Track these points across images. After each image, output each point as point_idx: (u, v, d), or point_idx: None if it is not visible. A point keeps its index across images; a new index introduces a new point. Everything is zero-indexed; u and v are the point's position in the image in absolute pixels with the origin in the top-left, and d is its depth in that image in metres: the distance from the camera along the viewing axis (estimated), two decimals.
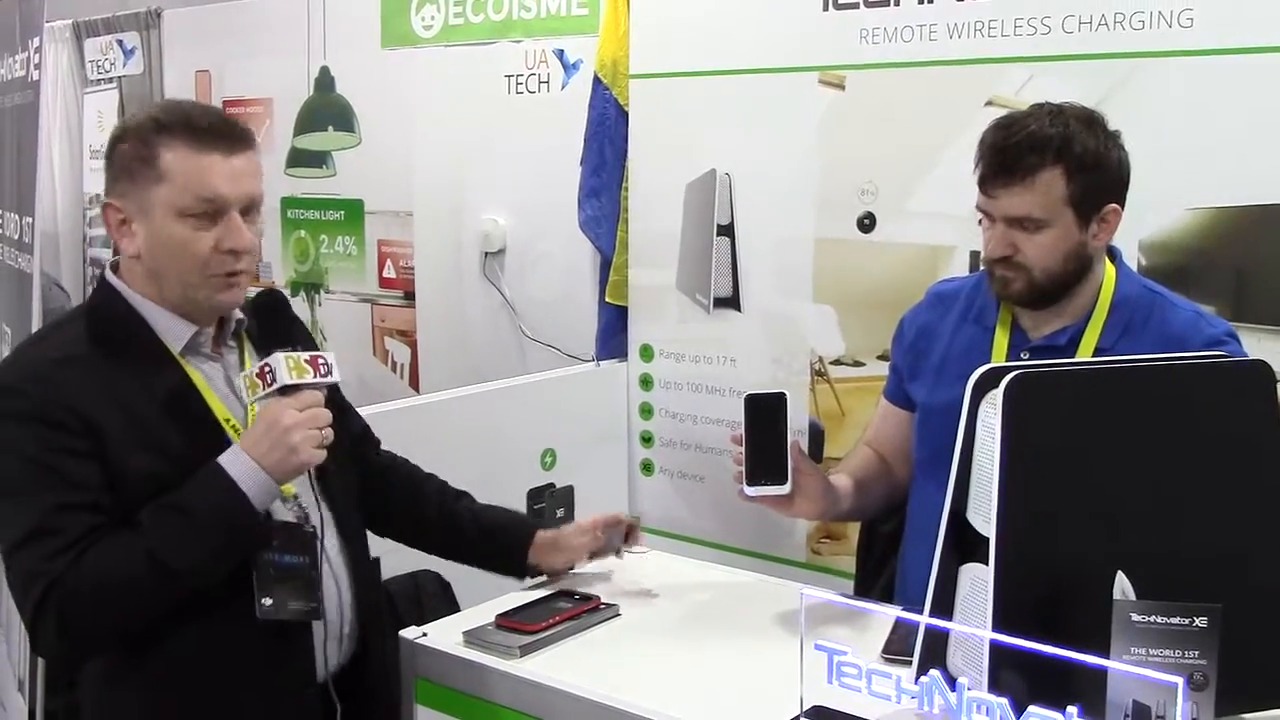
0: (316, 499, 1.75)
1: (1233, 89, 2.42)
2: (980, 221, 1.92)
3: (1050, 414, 1.44)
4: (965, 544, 1.51)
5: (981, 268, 1.98)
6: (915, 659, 1.53)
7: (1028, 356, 1.88)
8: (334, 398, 1.76)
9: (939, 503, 1.94)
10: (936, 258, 3.05)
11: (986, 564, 1.47)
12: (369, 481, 1.97)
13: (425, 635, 1.81)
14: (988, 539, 1.46)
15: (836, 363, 3.28)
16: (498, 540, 2.02)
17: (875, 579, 2.28)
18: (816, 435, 3.36)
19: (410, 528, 2.05)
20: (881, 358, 3.24)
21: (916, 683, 1.36)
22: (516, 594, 1.92)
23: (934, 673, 1.37)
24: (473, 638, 1.75)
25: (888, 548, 2.23)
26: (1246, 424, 1.51)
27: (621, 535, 2.06)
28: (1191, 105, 2.44)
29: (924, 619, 1.50)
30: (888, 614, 1.50)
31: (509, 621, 1.76)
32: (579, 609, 1.81)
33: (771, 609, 1.88)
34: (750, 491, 1.79)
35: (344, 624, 1.79)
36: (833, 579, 3.13)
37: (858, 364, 3.25)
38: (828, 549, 3.19)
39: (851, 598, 1.93)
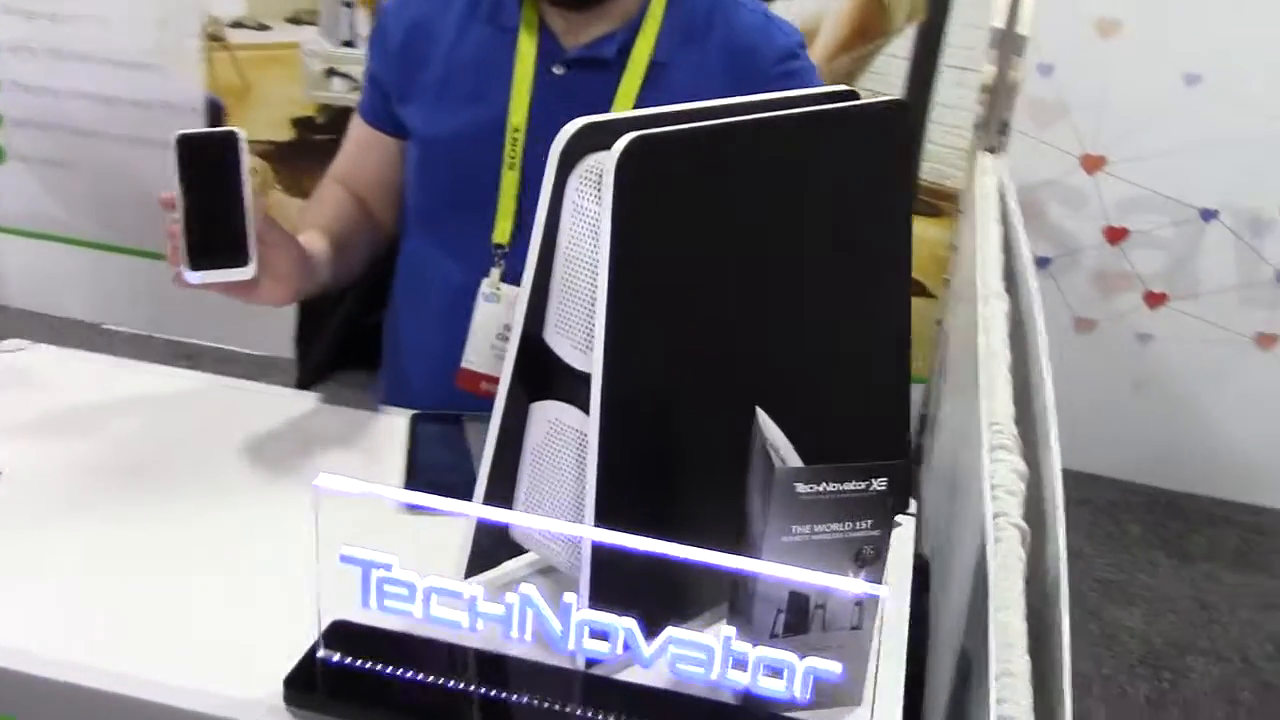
0: None
1: None
2: None
3: (669, 192, 0.92)
4: (540, 373, 0.99)
5: None
6: (465, 552, 1.02)
7: (562, 71, 1.32)
8: None
9: (445, 269, 1.38)
10: None
11: (572, 404, 0.97)
12: None
13: None
14: (576, 372, 0.95)
15: (236, 25, 2.56)
16: None
17: (316, 333, 1.63)
18: (216, 113, 2.65)
19: None
20: (292, 20, 2.56)
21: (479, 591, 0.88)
22: None
23: (525, 589, 0.88)
24: None
25: (336, 297, 1.57)
26: (878, 187, 1.09)
27: None
28: None
29: (488, 512, 0.98)
30: (440, 510, 0.94)
31: None
32: None
33: (234, 425, 1.26)
34: (194, 278, 1.11)
35: None
36: None
37: (263, 28, 2.57)
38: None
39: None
